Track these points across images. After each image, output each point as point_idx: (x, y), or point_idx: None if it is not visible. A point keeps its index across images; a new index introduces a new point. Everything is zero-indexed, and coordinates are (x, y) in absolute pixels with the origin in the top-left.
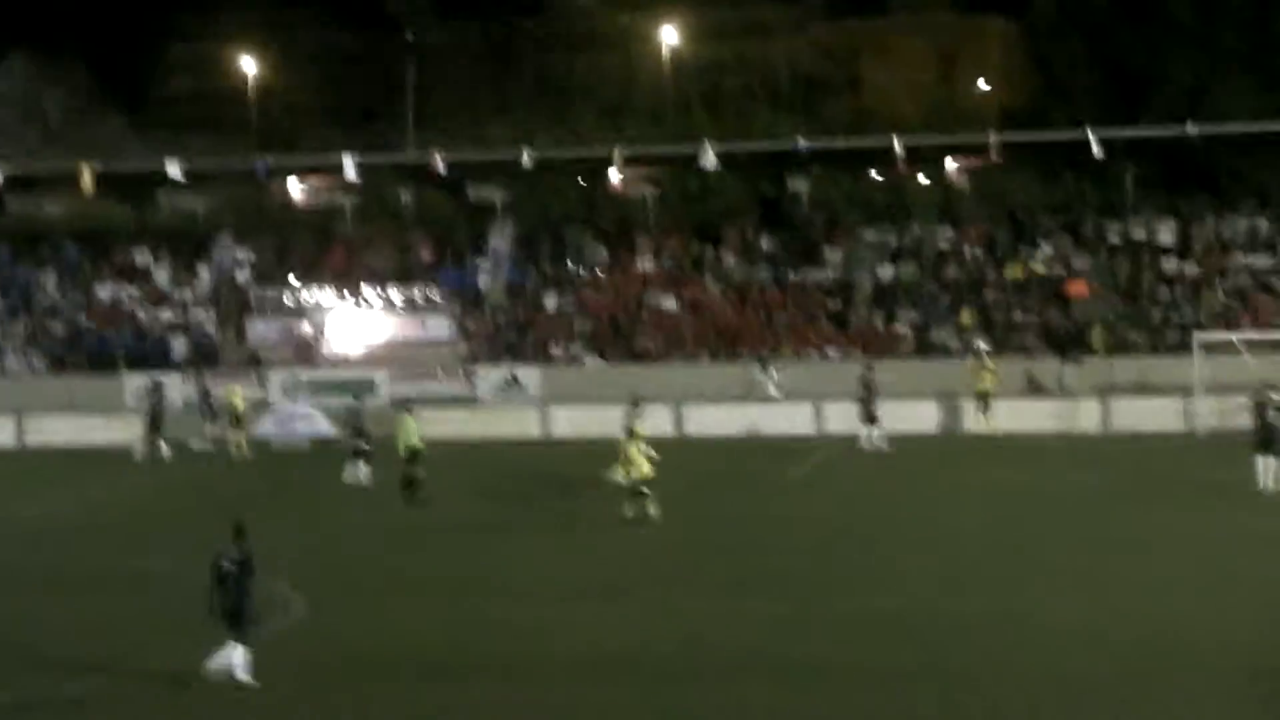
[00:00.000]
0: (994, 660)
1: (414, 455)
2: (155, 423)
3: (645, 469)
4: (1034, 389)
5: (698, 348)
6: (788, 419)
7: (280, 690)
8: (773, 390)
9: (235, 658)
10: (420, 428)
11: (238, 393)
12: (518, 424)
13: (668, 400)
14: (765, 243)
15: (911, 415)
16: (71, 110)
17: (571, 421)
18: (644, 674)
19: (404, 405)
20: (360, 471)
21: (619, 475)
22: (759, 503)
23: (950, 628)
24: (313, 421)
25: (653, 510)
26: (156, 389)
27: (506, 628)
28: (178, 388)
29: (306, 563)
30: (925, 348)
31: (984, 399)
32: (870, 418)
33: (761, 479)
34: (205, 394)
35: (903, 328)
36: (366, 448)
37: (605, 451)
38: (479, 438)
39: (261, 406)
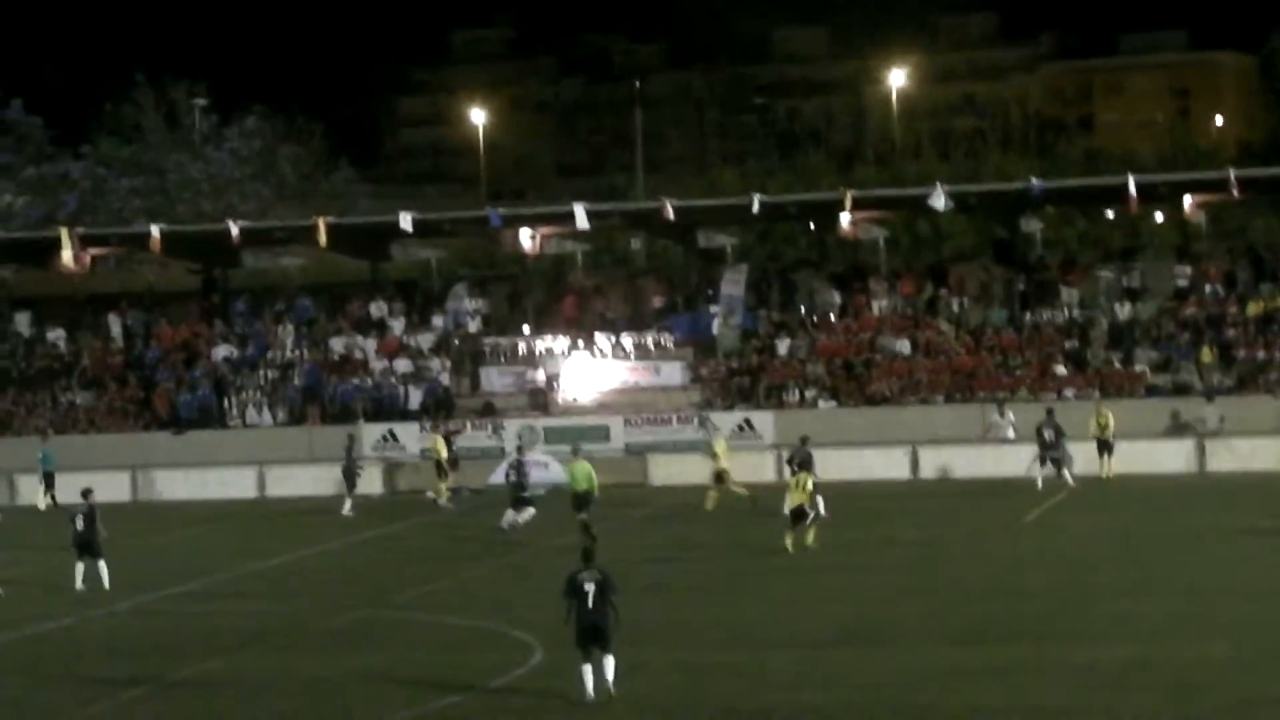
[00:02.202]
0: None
1: (580, 500)
2: (348, 477)
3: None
4: (1178, 428)
5: (932, 390)
6: (1025, 461)
7: None
8: (1009, 433)
9: (606, 669)
10: (592, 471)
11: (441, 442)
12: (751, 468)
13: (903, 443)
14: (999, 284)
15: (1151, 456)
16: (305, 165)
17: None
18: None
19: (574, 450)
20: (513, 516)
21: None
22: (993, 546)
23: (1193, 674)
24: (547, 469)
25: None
26: (351, 444)
27: (760, 678)
28: (414, 438)
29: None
30: (1163, 387)
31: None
32: (1042, 460)
33: (996, 522)
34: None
35: (1141, 367)
36: (524, 495)
37: (839, 493)
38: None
39: (496, 455)
